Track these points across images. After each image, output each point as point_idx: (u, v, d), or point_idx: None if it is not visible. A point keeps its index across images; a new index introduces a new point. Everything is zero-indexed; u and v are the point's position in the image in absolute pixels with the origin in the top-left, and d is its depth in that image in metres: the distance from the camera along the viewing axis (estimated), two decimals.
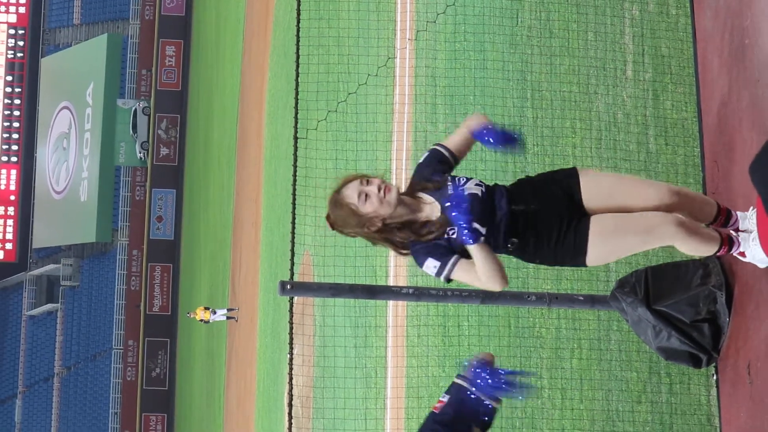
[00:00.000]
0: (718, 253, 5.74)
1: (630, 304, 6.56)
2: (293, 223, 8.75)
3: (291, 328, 9.23)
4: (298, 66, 9.51)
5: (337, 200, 5.26)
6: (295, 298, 9.24)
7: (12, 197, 53.17)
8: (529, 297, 7.32)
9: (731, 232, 5.82)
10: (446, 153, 5.44)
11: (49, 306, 51.63)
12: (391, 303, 14.98)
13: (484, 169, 10.32)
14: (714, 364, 6.57)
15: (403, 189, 5.39)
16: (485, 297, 7.28)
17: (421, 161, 5.50)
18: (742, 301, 6.21)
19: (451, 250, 5.26)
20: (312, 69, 12.07)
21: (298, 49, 9.57)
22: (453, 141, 5.47)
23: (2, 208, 52.89)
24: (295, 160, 9.24)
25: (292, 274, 8.54)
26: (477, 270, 5.24)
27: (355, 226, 5.26)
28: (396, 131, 15.79)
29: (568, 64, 10.68)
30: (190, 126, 48.34)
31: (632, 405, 8.63)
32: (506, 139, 5.36)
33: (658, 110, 9.03)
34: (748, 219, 5.84)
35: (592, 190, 5.45)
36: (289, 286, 7.42)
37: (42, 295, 51.94)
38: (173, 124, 49.26)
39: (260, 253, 28.94)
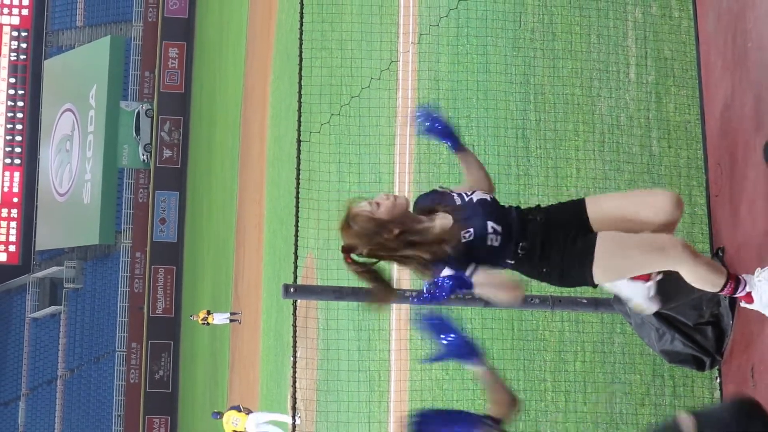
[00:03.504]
0: (723, 291, 5.57)
1: None
2: (296, 225, 8.75)
3: (294, 331, 9.21)
4: (301, 69, 9.51)
5: (349, 218, 5.29)
6: (299, 300, 9.24)
7: (15, 199, 53.15)
8: (532, 300, 7.32)
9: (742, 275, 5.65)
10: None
11: (52, 308, 51.58)
12: (394, 306, 14.97)
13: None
14: (717, 367, 6.57)
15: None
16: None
17: (419, 195, 5.69)
18: None
19: (467, 260, 5.31)
20: (315, 72, 12.07)
21: (301, 52, 9.57)
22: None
23: (5, 210, 52.87)
24: (299, 163, 9.22)
25: (296, 277, 8.53)
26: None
27: (373, 235, 5.24)
28: (399, 134, 15.78)
29: (571, 67, 10.68)
30: (193, 128, 48.36)
31: (635, 408, 8.63)
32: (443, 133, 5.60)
33: (661, 113, 9.03)
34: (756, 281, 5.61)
35: (598, 206, 5.57)
36: (292, 289, 7.43)
37: (45, 297, 51.87)
38: (176, 126, 49.27)
39: (263, 256, 28.94)
